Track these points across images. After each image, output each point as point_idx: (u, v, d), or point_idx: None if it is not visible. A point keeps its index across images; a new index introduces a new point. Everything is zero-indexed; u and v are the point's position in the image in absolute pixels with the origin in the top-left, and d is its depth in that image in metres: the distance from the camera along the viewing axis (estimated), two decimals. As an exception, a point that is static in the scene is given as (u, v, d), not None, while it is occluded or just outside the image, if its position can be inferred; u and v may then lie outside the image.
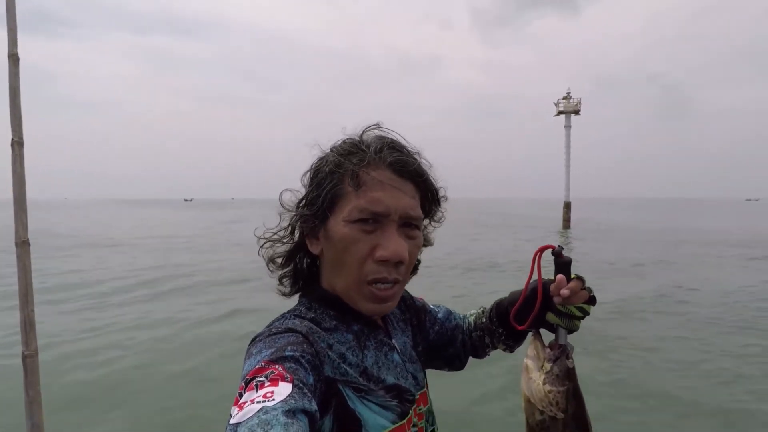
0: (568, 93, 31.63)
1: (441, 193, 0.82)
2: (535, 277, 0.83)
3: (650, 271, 12.19)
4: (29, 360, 1.53)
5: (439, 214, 0.85)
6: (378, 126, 0.79)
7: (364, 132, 0.79)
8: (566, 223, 29.75)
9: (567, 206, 30.62)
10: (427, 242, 0.86)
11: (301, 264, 0.83)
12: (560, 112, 31.68)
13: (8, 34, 1.57)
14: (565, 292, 0.76)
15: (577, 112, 31.45)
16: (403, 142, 0.79)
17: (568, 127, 31.33)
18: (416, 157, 0.78)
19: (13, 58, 1.56)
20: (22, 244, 1.53)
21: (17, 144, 1.51)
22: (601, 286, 8.90)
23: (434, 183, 0.80)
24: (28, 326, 1.51)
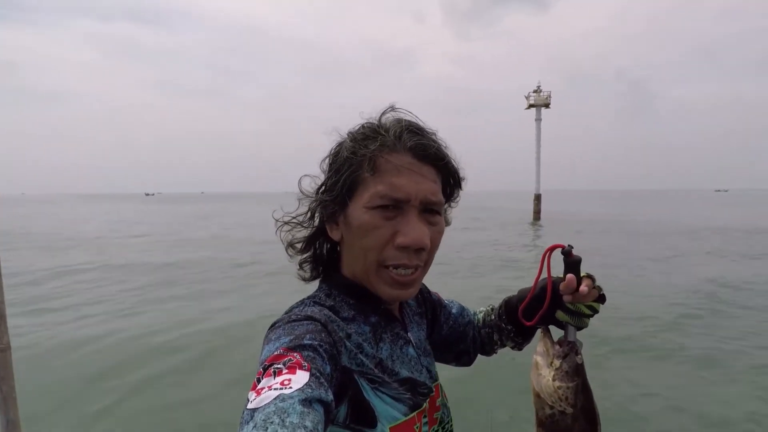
0: (539, 86, 32.17)
1: (461, 174, 0.81)
2: (544, 275, 0.85)
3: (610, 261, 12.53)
4: (1, 354, 1.48)
5: (457, 195, 0.84)
6: (394, 108, 0.78)
7: (382, 115, 0.77)
8: (536, 215, 30.39)
9: (537, 198, 31.27)
10: (446, 223, 0.84)
11: (321, 249, 0.83)
12: (531, 105, 32.18)
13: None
14: (583, 289, 0.77)
15: (547, 106, 32.05)
16: (421, 123, 0.77)
17: (538, 120, 31.90)
18: (436, 139, 0.77)
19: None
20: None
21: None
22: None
23: (455, 165, 0.79)
24: (-1, 319, 1.42)
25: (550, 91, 32.12)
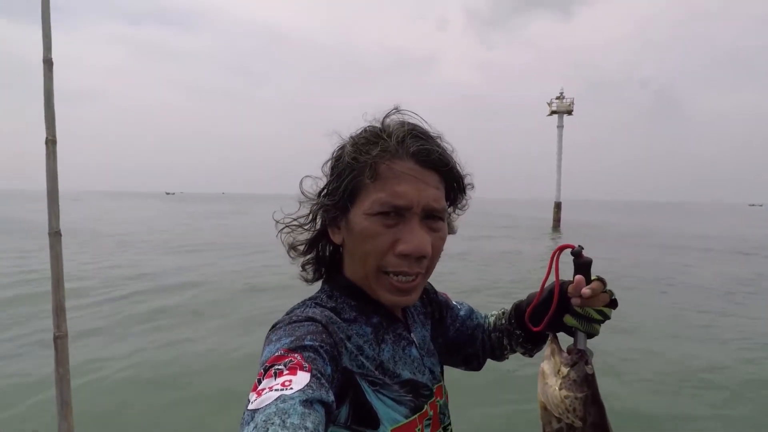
0: (561, 93, 31.78)
1: (467, 180, 0.79)
2: (552, 277, 0.80)
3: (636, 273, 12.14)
4: (59, 341, 1.72)
5: (463, 201, 0.82)
6: (397, 110, 0.76)
7: (385, 117, 0.76)
8: (556, 223, 29.97)
9: (557, 206, 30.84)
10: (450, 230, 0.82)
11: (323, 252, 0.83)
12: (553, 112, 31.84)
13: (43, 40, 1.70)
14: (586, 291, 0.72)
15: (569, 113, 31.63)
16: (425, 126, 0.75)
17: (560, 127, 31.52)
18: (440, 143, 0.75)
19: (48, 63, 1.71)
20: (54, 234, 1.70)
21: (51, 142, 1.67)
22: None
23: (459, 171, 0.76)
24: (59, 310, 1.70)
25: (573, 98, 31.69)
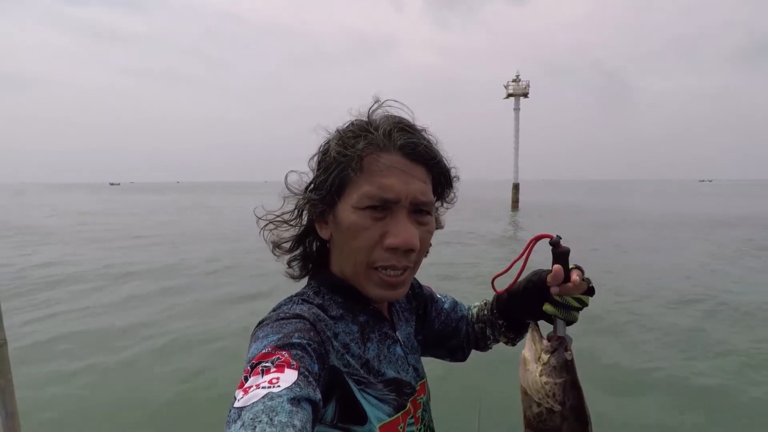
0: (517, 76, 32.45)
1: (453, 173, 0.79)
2: (532, 267, 0.83)
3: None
4: None
5: (451, 195, 0.82)
6: (383, 103, 0.76)
7: (371, 111, 0.75)
8: (515, 204, 30.85)
9: (516, 187, 31.73)
10: (438, 225, 0.83)
11: (310, 247, 0.82)
12: (510, 95, 32.50)
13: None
14: (575, 279, 0.75)
15: (525, 95, 32.40)
16: (411, 119, 0.76)
17: (517, 109, 32.22)
18: (426, 136, 0.75)
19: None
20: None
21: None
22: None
23: (446, 164, 0.77)
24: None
25: (529, 81, 32.49)
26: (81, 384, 4.53)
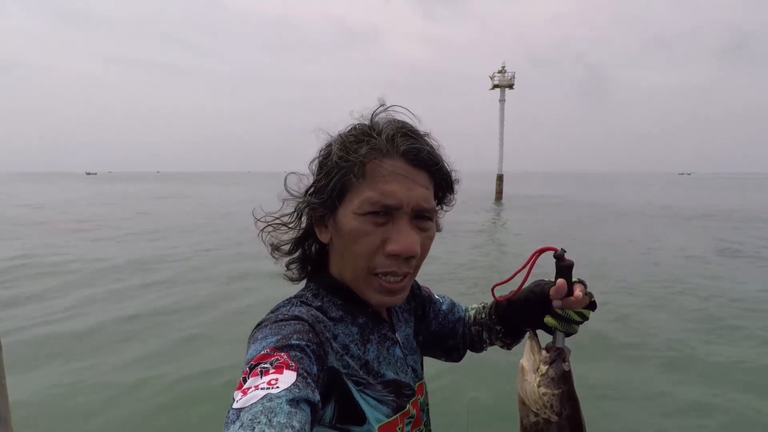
0: (503, 67, 32.47)
1: (454, 177, 0.79)
2: (530, 276, 0.84)
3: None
4: None
5: (451, 199, 0.82)
6: (386, 106, 0.76)
7: (374, 114, 0.75)
8: (499, 195, 31.08)
9: (500, 179, 31.94)
10: (437, 228, 0.82)
11: (309, 250, 0.81)
12: (495, 86, 32.54)
13: None
14: (578, 294, 0.76)
15: (511, 86, 32.45)
16: (414, 124, 0.75)
17: (502, 101, 32.32)
18: (429, 141, 0.74)
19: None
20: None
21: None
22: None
23: (448, 169, 0.76)
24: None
25: (514, 72, 32.51)
26: (68, 388, 4.40)
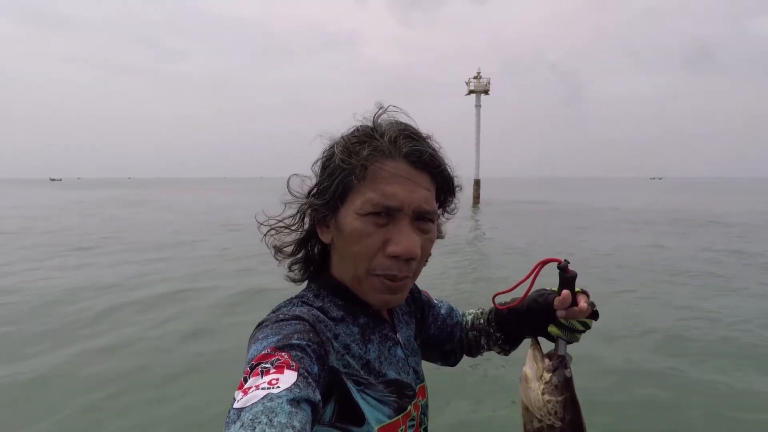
0: (479, 73, 32.94)
1: (456, 182, 0.79)
2: (534, 286, 0.85)
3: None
4: None
5: (453, 204, 0.82)
6: (388, 109, 0.76)
7: (376, 117, 0.75)
8: (476, 199, 31.45)
9: (477, 183, 32.33)
10: (439, 235, 0.83)
11: (312, 251, 0.82)
12: (471, 92, 32.94)
13: None
14: (583, 306, 0.78)
15: (486, 92, 32.92)
16: (416, 126, 0.76)
17: (478, 106, 32.73)
18: (431, 144, 0.75)
19: None
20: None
21: None
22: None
23: (450, 172, 0.77)
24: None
25: (490, 78, 33.03)
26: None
